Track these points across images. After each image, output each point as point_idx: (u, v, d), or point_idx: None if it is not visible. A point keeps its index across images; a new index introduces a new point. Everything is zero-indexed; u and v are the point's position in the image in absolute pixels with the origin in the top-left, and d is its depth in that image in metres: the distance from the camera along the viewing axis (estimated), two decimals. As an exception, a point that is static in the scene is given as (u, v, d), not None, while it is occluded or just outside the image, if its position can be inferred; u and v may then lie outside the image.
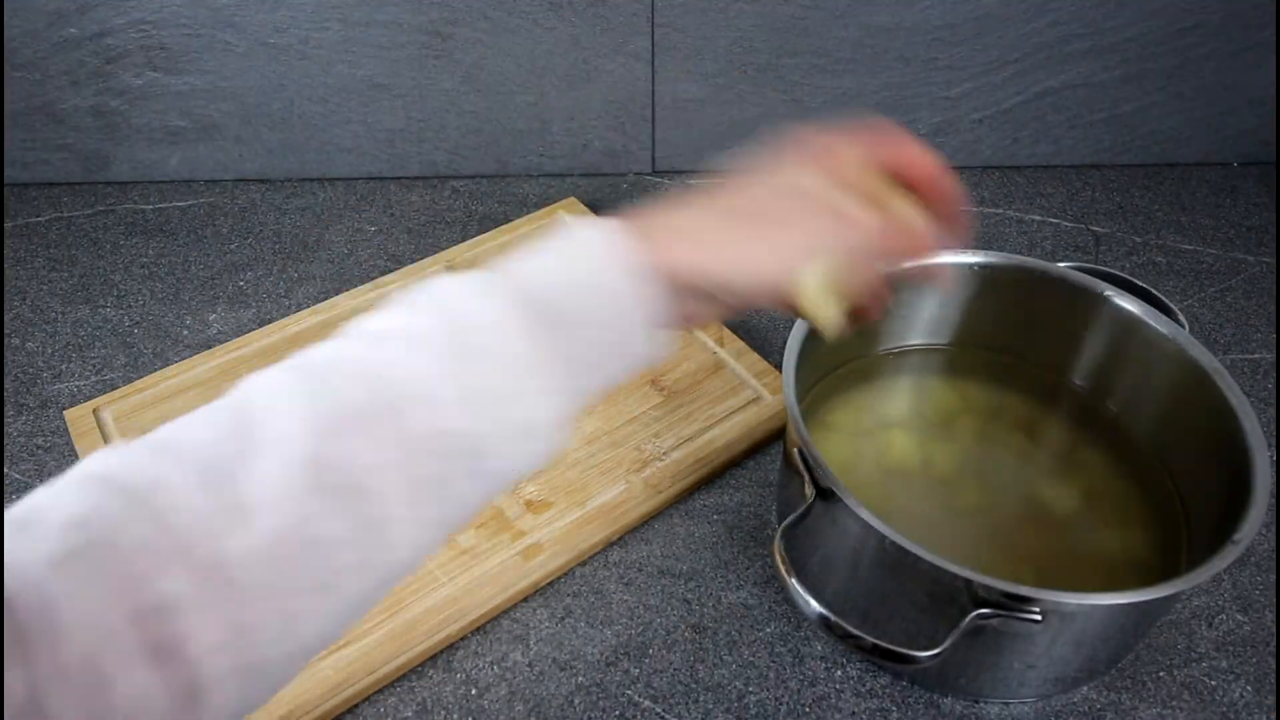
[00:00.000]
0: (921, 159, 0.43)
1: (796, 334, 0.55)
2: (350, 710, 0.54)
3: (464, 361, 0.35)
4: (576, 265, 0.38)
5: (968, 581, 0.45)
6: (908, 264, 0.43)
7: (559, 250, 0.38)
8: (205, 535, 0.29)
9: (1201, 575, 0.45)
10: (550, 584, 0.60)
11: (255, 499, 0.30)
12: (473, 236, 0.84)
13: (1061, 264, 0.61)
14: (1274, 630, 0.57)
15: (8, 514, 0.30)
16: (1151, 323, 0.58)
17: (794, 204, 0.41)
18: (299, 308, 0.78)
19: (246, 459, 0.31)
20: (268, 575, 0.30)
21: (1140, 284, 0.59)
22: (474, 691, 0.55)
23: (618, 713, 0.54)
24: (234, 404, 0.33)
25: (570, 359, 0.37)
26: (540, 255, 0.38)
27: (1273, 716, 0.53)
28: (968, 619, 0.45)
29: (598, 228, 0.38)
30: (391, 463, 0.33)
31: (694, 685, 0.55)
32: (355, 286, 0.79)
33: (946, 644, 0.45)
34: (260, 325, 0.76)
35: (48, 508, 0.30)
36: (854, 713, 0.54)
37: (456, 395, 0.34)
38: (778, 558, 0.48)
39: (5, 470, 0.66)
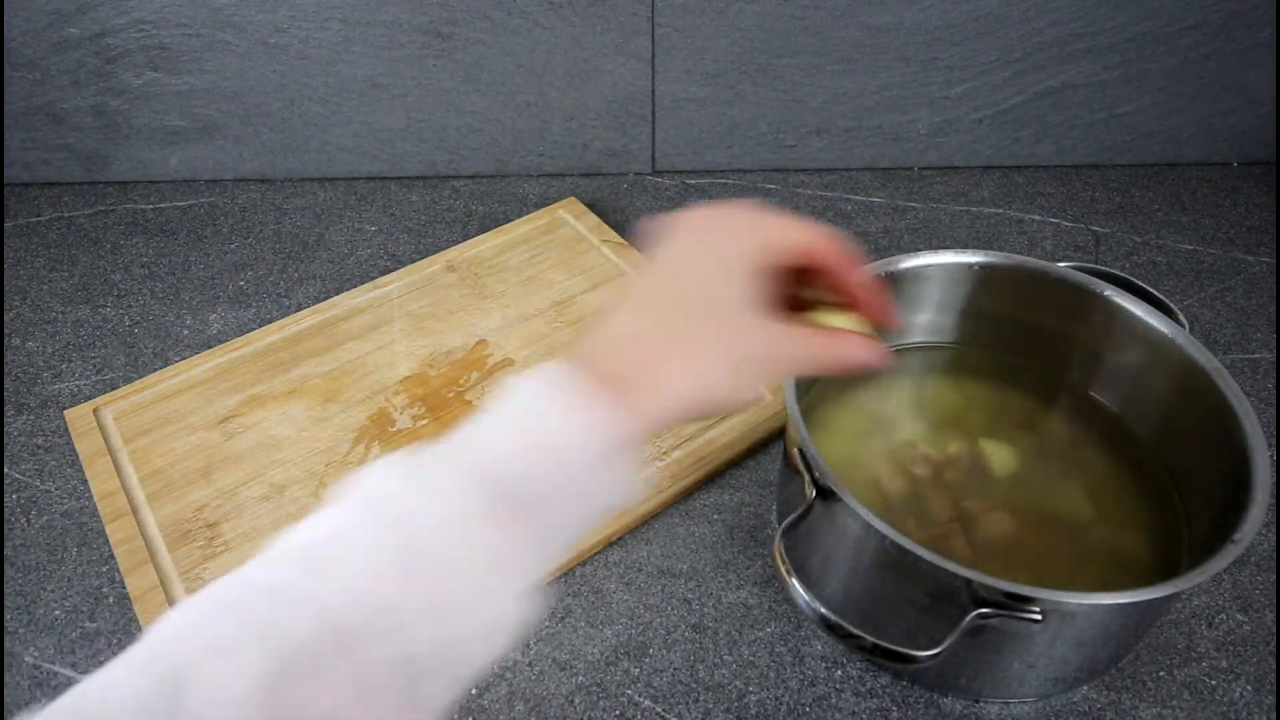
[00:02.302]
0: (841, 264, 0.40)
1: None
2: (350, 710, 0.54)
3: (421, 575, 0.31)
4: (533, 430, 0.33)
5: (968, 581, 0.45)
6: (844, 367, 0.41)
7: (512, 415, 0.34)
8: None
9: (1201, 575, 0.45)
10: (550, 584, 0.60)
11: None
12: (473, 236, 0.84)
13: (1061, 264, 0.61)
14: (1274, 630, 0.57)
15: None
16: (1151, 322, 0.58)
17: (725, 316, 0.37)
18: (299, 308, 0.78)
19: None
20: None
21: (1140, 284, 0.59)
22: (474, 691, 0.55)
23: (618, 712, 0.54)
24: (160, 657, 0.28)
25: (538, 537, 0.33)
26: (491, 422, 0.34)
27: (1273, 716, 0.53)
28: (968, 619, 0.45)
29: (548, 381, 0.34)
30: (350, 702, 0.29)
31: (694, 685, 0.55)
32: (355, 286, 0.79)
33: (946, 644, 0.45)
34: (260, 325, 0.77)
35: None
36: (854, 712, 0.54)
37: (418, 615, 0.30)
38: (778, 558, 0.48)
39: (5, 470, 0.66)
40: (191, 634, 0.29)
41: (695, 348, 0.36)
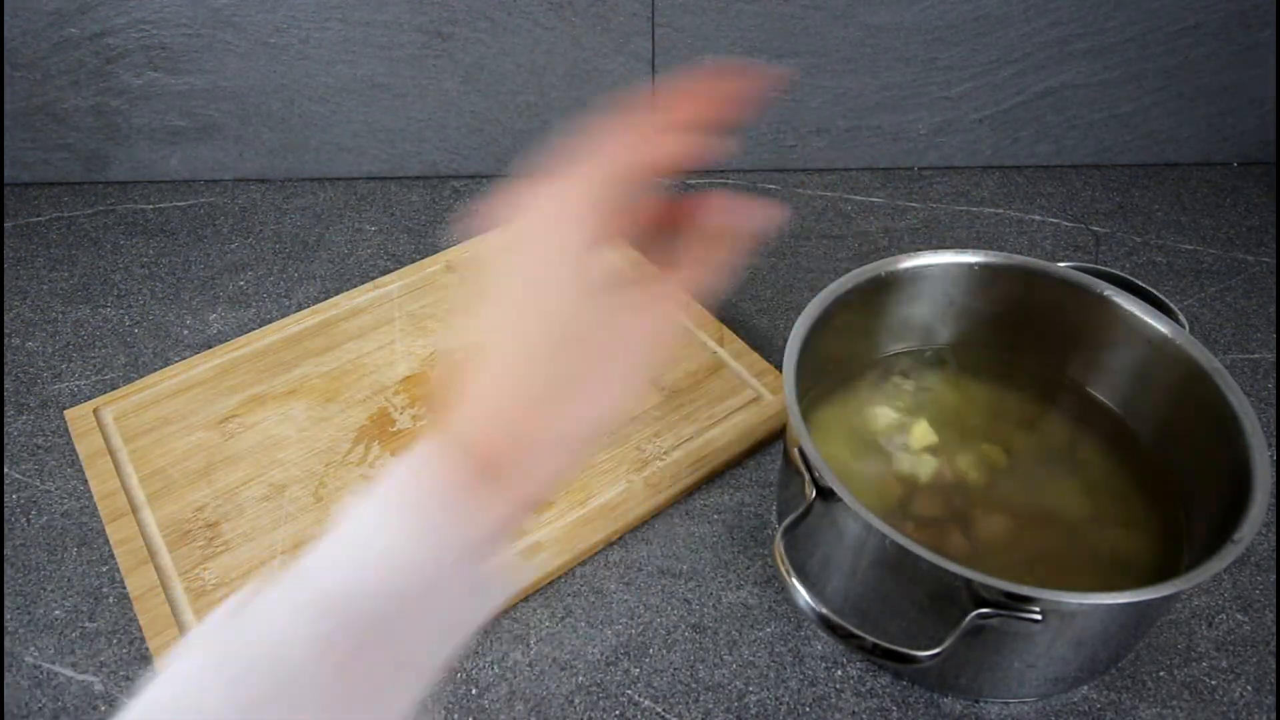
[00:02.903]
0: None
1: (797, 334, 0.55)
2: (350, 710, 0.54)
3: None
4: (371, 552, 0.30)
5: (968, 581, 0.45)
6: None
7: (350, 538, 0.31)
8: None
9: (1201, 575, 0.45)
10: (550, 584, 0.60)
11: None
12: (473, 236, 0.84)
13: (1061, 264, 0.61)
14: (1274, 630, 0.57)
15: None
16: (1151, 322, 0.58)
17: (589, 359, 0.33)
18: (299, 308, 0.78)
19: None
20: None
21: (1140, 284, 0.59)
22: (474, 691, 0.55)
23: (618, 712, 0.54)
24: None
25: (391, 665, 0.30)
26: (343, 543, 0.31)
27: (1273, 716, 0.53)
28: (968, 619, 0.45)
29: (397, 487, 0.31)
30: None
31: (694, 685, 0.55)
32: (355, 286, 0.79)
33: (947, 644, 0.45)
34: (260, 325, 0.77)
35: None
36: (854, 712, 0.54)
37: None
38: (778, 558, 0.48)
39: (5, 470, 0.66)
40: None
41: (569, 405, 0.32)
